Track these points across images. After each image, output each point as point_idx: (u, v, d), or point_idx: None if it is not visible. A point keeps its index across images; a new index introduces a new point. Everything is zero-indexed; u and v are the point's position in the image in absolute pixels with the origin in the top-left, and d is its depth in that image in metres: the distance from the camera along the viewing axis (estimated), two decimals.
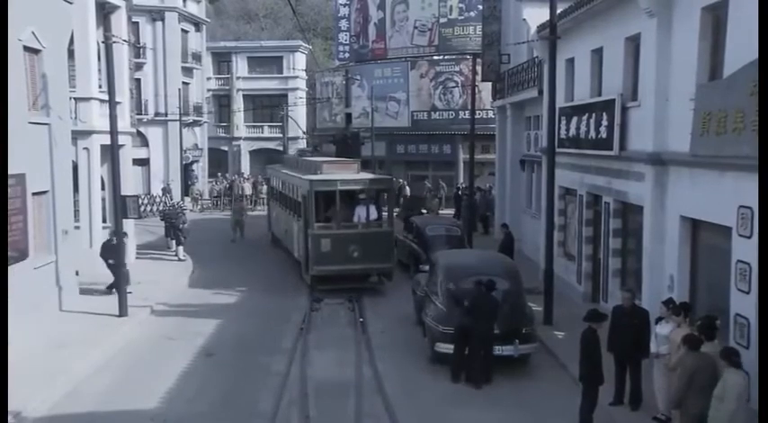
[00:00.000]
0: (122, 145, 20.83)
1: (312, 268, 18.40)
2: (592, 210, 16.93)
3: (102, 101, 20.63)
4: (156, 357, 13.66)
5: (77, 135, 19.65)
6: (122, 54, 21.52)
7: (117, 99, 21.85)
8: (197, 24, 45.30)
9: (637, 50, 13.98)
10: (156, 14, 40.34)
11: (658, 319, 10.45)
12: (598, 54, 16.13)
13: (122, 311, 15.83)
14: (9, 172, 13.94)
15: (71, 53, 18.54)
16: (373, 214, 19.35)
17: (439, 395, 11.72)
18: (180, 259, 23.12)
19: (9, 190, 14.16)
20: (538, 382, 12.34)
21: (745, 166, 9.34)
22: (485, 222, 28.99)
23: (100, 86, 20.89)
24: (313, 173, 20.07)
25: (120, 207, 15.72)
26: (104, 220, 21.34)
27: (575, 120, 16.78)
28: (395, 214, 21.04)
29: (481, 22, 35.70)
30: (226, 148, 53.53)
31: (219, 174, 45.00)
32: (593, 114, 15.48)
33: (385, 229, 19.08)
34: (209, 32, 51.49)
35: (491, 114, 33.88)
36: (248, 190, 40.45)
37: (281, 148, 51.50)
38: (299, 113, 54.17)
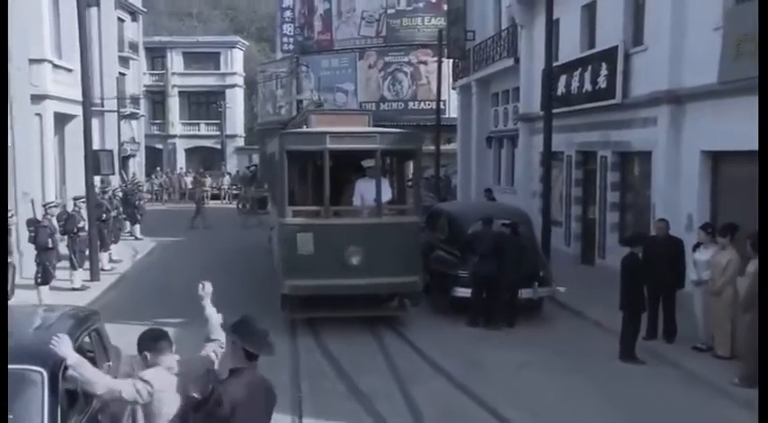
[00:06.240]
0: (75, 115, 19.48)
1: (282, 283, 11.39)
2: (581, 169, 16.74)
3: (55, 65, 19.26)
4: (144, 306, 12.81)
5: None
6: (72, 19, 20.14)
7: (69, 65, 20.66)
8: (133, 13, 43.55)
9: None
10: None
11: (696, 246, 10.18)
12: (589, 9, 16.04)
13: (94, 276, 14.61)
14: None
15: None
16: (387, 194, 11.88)
17: (462, 337, 11.15)
18: (137, 238, 21.82)
19: None
20: (556, 326, 11.93)
21: None
22: None
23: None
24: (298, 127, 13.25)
25: (92, 163, 14.48)
26: (55, 196, 19.84)
27: (563, 79, 16.59)
28: None
29: (432, 11, 36.13)
30: (161, 146, 51.55)
31: (159, 168, 43.35)
32: (589, 67, 15.31)
33: (407, 220, 11.67)
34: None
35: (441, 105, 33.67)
36: (189, 184, 39.37)
37: (218, 146, 50.07)
38: (236, 110, 52.87)
